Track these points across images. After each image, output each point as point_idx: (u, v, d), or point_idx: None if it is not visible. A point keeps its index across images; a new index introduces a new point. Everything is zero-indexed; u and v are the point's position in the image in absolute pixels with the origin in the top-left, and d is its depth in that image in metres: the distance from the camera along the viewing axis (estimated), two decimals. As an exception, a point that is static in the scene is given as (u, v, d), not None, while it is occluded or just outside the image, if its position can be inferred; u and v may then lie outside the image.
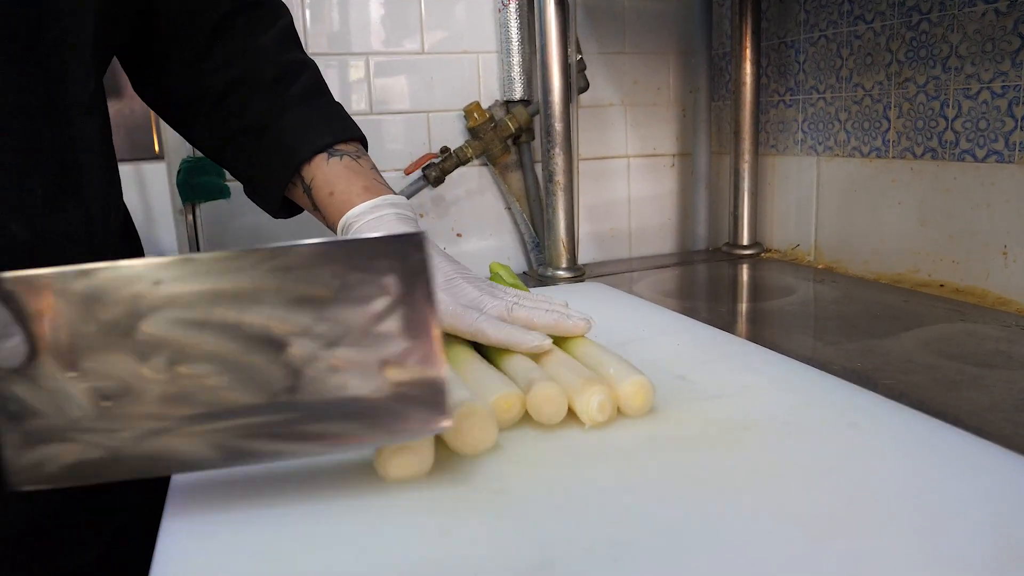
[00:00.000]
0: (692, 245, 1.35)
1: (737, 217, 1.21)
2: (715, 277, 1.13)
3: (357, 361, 0.39)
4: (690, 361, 0.62)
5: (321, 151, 0.62)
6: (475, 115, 1.17)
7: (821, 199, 1.11)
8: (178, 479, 0.44)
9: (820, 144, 1.10)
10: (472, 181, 1.24)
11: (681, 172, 1.35)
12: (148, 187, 1.18)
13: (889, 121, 0.99)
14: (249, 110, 0.63)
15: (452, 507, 0.40)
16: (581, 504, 0.40)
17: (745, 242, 1.21)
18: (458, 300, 0.56)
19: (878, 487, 0.41)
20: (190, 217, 1.16)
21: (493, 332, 0.54)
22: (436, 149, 1.19)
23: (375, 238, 0.40)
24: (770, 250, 1.21)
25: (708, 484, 0.42)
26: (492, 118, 1.18)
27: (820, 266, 1.11)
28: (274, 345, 0.38)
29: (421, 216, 1.22)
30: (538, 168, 1.23)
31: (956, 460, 0.43)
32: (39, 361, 0.36)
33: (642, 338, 0.69)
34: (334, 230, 0.63)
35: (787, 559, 0.34)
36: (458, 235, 1.24)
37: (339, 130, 0.64)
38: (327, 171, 0.62)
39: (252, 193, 0.68)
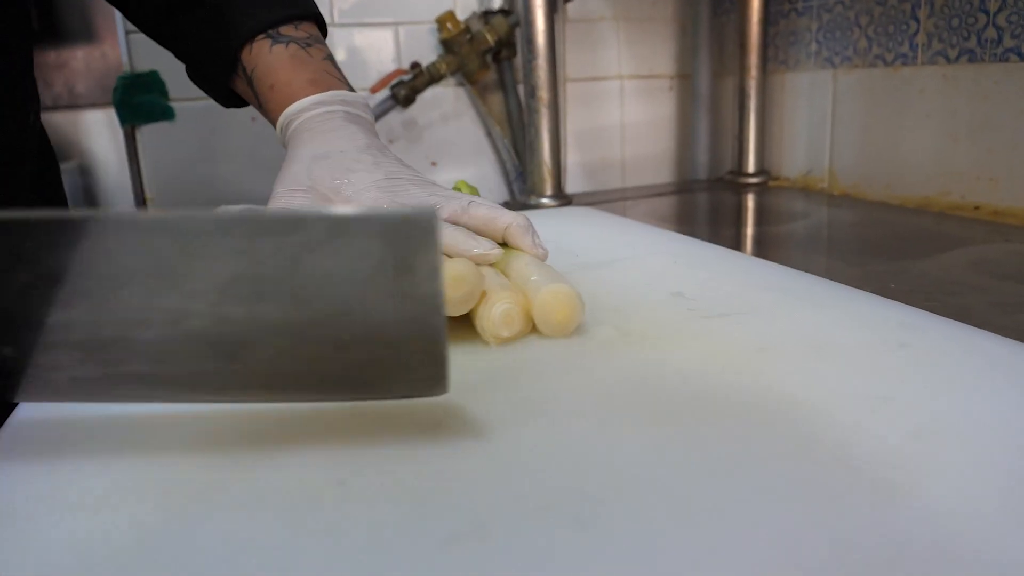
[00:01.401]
0: (692, 175, 1.23)
1: (742, 142, 1.09)
2: (717, 204, 1.01)
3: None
4: (689, 278, 0.50)
5: (265, 30, 0.53)
6: (448, 26, 1.04)
7: (837, 118, 0.99)
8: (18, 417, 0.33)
9: (837, 55, 0.98)
10: (448, 103, 1.11)
11: (680, 95, 1.22)
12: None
13: (918, 22, 0.86)
14: None
15: (350, 453, 0.29)
16: (535, 451, 0.29)
17: (751, 169, 1.09)
18: (399, 201, 0.47)
19: (951, 418, 0.29)
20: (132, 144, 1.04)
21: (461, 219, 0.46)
22: (406, 65, 1.07)
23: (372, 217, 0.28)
24: (778, 178, 1.09)
25: (717, 421, 0.30)
26: (468, 29, 1.05)
27: (836, 193, 0.99)
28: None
29: (391, 142, 1.10)
30: (521, 89, 1.10)
31: (1048, 386, 0.32)
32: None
33: (630, 257, 0.58)
34: (276, 128, 0.54)
35: (837, 519, 0.23)
36: (433, 164, 1.12)
37: (289, 5, 0.55)
38: (269, 60, 0.53)
39: (195, 77, 0.58)
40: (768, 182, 1.09)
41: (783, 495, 0.25)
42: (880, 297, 0.45)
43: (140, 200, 1.09)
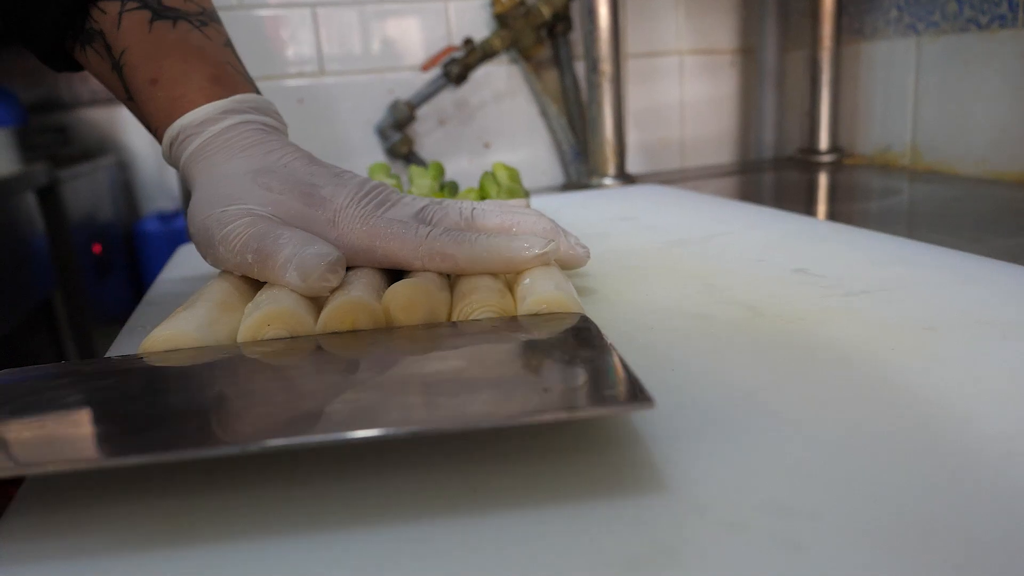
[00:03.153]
0: (756, 154, 1.17)
1: (814, 117, 1.02)
2: (791, 182, 0.95)
3: None
4: (807, 253, 0.45)
5: None
6: (503, -1, 0.99)
7: (921, 89, 0.92)
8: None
9: (921, 20, 0.91)
10: (501, 81, 1.06)
11: (744, 71, 1.16)
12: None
13: (1019, -21, 0.79)
14: None
15: (490, 466, 0.24)
16: (708, 453, 0.24)
17: (823, 147, 1.03)
18: (388, 214, 0.36)
19: None
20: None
21: (462, 250, 0.34)
22: (458, 41, 1.02)
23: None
24: (853, 155, 1.03)
25: (905, 413, 0.25)
26: (523, 3, 1.00)
27: (920, 169, 0.93)
28: None
29: (442, 123, 1.05)
30: (578, 65, 1.05)
31: None
32: None
33: (726, 232, 0.52)
34: (157, 137, 0.41)
35: None
36: (486, 145, 1.07)
37: None
38: (150, 43, 0.39)
39: (13, 28, 0.42)
40: (842, 159, 1.02)
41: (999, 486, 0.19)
42: (1041, 270, 0.39)
43: (185, 194, 1.05)
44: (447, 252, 0.34)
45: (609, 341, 0.27)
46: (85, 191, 1.77)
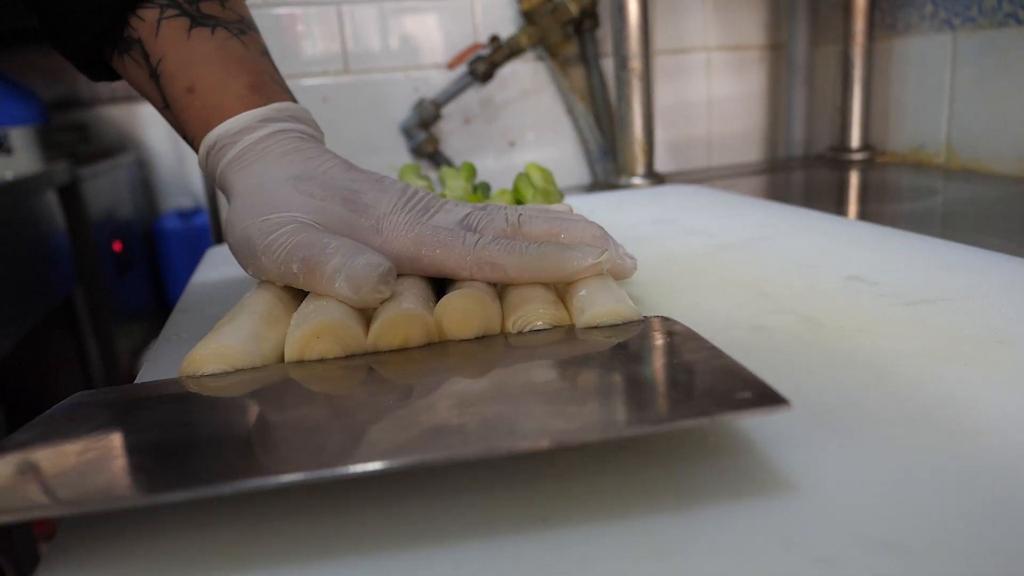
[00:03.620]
0: (785, 152, 1.15)
1: (846, 115, 1.00)
2: (822, 181, 0.93)
3: None
4: (857, 259, 0.44)
5: None
6: (530, -5, 0.98)
7: (957, 85, 0.90)
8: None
9: (958, 15, 0.89)
10: (527, 79, 1.05)
11: (772, 67, 1.14)
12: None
13: (1061, -26, 0.77)
14: None
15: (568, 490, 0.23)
16: (792, 477, 0.23)
17: (855, 145, 1.01)
18: (433, 221, 0.35)
19: None
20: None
21: (512, 259, 0.33)
22: (484, 39, 1.00)
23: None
24: (885, 153, 1.01)
25: (989, 433, 0.24)
26: (550, 0, 0.99)
27: (955, 167, 0.91)
28: None
29: (467, 122, 1.04)
30: (605, 63, 1.04)
31: None
32: None
33: (770, 236, 0.51)
34: (194, 147, 0.40)
35: None
36: (511, 143, 1.06)
37: None
38: (188, 50, 0.39)
39: (51, 35, 0.40)
40: (874, 158, 1.00)
41: None
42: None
43: (210, 193, 1.05)
44: (496, 261, 0.33)
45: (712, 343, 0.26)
46: (105, 189, 1.78)
